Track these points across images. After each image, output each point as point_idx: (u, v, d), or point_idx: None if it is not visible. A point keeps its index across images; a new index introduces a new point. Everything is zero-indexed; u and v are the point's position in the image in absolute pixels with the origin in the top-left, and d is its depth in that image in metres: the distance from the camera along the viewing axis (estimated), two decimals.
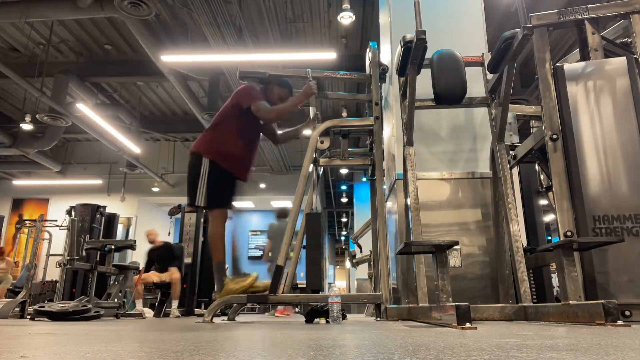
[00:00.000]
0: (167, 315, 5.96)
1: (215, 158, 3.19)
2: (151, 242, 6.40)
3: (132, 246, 5.08)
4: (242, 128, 3.29)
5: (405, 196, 3.07)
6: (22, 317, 4.67)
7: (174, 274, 5.96)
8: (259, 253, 14.49)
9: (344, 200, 16.88)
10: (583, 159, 2.28)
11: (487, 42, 3.71)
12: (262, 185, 12.59)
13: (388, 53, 3.93)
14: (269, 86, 3.48)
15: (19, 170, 12.33)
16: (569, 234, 2.20)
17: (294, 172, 12.30)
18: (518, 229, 2.74)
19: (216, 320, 3.58)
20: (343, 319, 3.05)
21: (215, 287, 3.16)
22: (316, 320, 2.97)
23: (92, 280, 4.61)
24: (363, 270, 8.89)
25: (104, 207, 7.06)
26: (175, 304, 5.83)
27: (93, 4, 6.19)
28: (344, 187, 15.52)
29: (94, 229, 6.79)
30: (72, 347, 1.18)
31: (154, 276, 6.00)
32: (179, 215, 7.51)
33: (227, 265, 3.24)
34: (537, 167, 3.74)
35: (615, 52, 2.61)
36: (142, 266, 6.38)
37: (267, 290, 3.06)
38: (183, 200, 10.75)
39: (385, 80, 3.79)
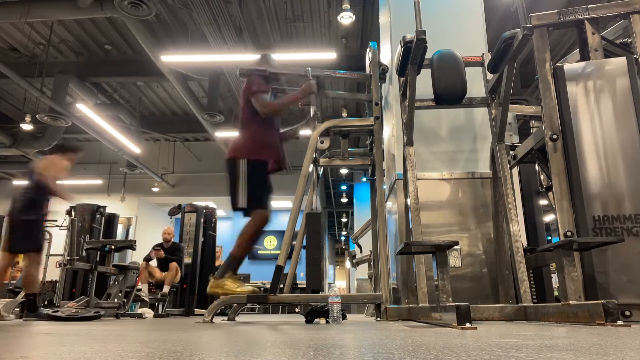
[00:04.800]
0: (167, 315, 5.96)
1: (252, 155, 3.18)
2: (167, 241, 6.53)
3: (131, 246, 5.07)
4: (265, 119, 3.30)
5: (405, 196, 3.07)
6: (22, 317, 4.67)
7: (173, 264, 6.17)
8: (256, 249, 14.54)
9: (344, 200, 16.87)
10: (583, 159, 2.28)
11: (487, 42, 3.71)
12: None
13: (388, 53, 3.93)
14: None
15: (19, 170, 12.33)
16: (569, 234, 2.20)
17: (294, 172, 12.27)
18: (518, 229, 2.74)
19: (216, 320, 3.58)
20: (343, 319, 3.05)
21: (217, 272, 3.13)
22: (316, 320, 2.97)
23: (92, 280, 4.60)
24: (363, 270, 8.89)
25: (104, 207, 7.05)
26: (166, 288, 5.98)
27: (93, 4, 6.19)
28: (344, 187, 15.52)
29: (94, 229, 6.79)
30: (72, 347, 1.18)
31: (156, 271, 6.15)
32: (179, 216, 7.51)
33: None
34: (537, 167, 3.74)
35: (615, 52, 2.61)
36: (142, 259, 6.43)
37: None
38: (183, 200, 10.72)
39: (385, 80, 3.79)
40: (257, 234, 3.20)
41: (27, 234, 4.00)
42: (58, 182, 4.19)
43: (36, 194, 4.10)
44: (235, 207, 3.17)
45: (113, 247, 4.93)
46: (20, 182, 12.22)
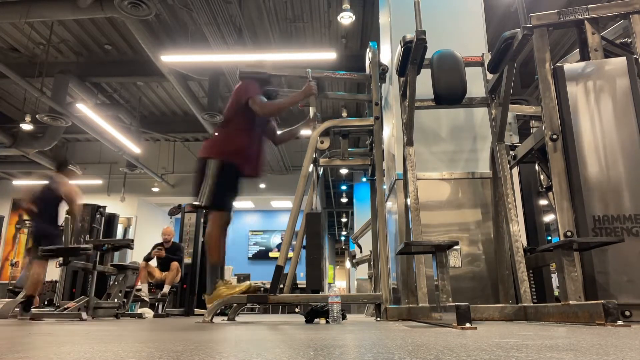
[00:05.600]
0: (167, 315, 5.97)
1: (223, 157, 3.20)
2: (167, 241, 6.55)
3: (129, 245, 5.07)
4: (247, 123, 3.29)
5: (405, 196, 3.07)
6: (17, 316, 4.67)
7: (174, 264, 6.19)
8: (256, 249, 14.56)
9: (344, 200, 16.87)
10: (583, 159, 2.28)
11: (487, 42, 3.71)
12: (262, 185, 12.60)
13: (388, 53, 3.93)
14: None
15: (19, 170, 12.33)
16: (569, 234, 2.20)
17: (294, 172, 12.30)
18: (518, 229, 2.74)
19: (216, 320, 3.57)
20: (343, 319, 3.05)
21: (207, 288, 3.16)
22: (316, 320, 2.97)
23: (92, 280, 4.60)
24: (363, 270, 8.89)
25: (104, 207, 7.06)
26: (166, 288, 6.06)
27: (93, 4, 6.19)
28: (344, 187, 15.52)
29: (94, 229, 6.79)
30: (72, 347, 1.18)
31: (156, 271, 6.17)
32: (179, 216, 7.52)
33: (231, 267, 3.26)
34: (537, 167, 3.73)
35: (615, 52, 2.61)
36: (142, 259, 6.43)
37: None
38: (183, 200, 10.73)
39: (385, 80, 3.79)
40: (222, 235, 3.21)
41: (50, 244, 4.43)
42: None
43: (56, 211, 4.70)
44: (198, 205, 3.20)
45: (110, 246, 4.92)
46: (27, 183, 12.24)
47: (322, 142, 3.63)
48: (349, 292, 13.05)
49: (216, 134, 3.34)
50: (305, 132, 3.75)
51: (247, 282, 3.17)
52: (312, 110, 3.65)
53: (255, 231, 14.78)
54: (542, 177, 3.74)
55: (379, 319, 3.08)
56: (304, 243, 3.42)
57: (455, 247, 2.85)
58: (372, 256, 5.86)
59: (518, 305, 2.53)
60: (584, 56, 2.50)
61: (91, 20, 7.54)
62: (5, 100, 10.12)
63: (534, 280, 3.37)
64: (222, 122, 3.36)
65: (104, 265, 4.88)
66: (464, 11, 3.80)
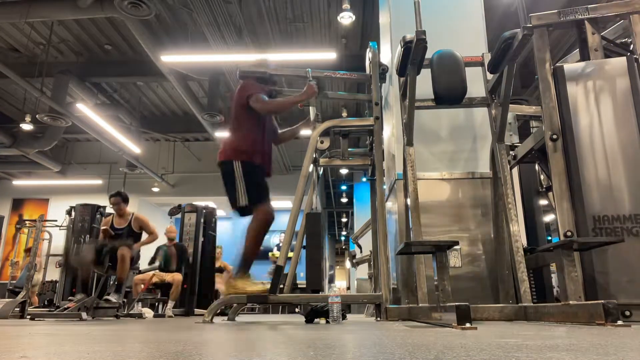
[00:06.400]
0: (164, 315, 5.97)
1: (246, 158, 3.19)
2: (171, 239, 6.53)
3: (129, 246, 5.06)
4: (257, 122, 3.29)
5: (405, 196, 3.07)
6: (22, 317, 4.67)
7: (176, 276, 6.05)
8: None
9: (344, 200, 16.87)
10: (583, 159, 2.28)
11: (487, 42, 3.71)
12: None
13: (388, 53, 3.93)
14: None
15: (19, 170, 12.33)
16: (569, 234, 2.20)
17: (294, 172, 12.29)
18: (518, 229, 2.74)
19: (216, 320, 3.57)
20: (343, 319, 3.05)
21: (235, 271, 3.13)
22: (316, 320, 2.97)
23: (92, 280, 4.60)
24: (363, 270, 8.89)
25: (104, 207, 7.05)
26: (171, 304, 5.95)
27: (93, 4, 6.19)
28: (344, 187, 15.51)
29: (94, 229, 6.79)
30: (72, 347, 1.18)
31: (154, 277, 6.10)
32: (179, 216, 7.52)
33: (231, 267, 3.23)
34: (537, 167, 3.73)
35: (616, 52, 2.61)
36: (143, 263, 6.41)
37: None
38: (183, 200, 10.70)
39: (385, 80, 3.78)
40: (263, 231, 3.20)
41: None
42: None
43: None
44: (235, 207, 3.18)
45: (111, 247, 4.91)
46: (27, 183, 12.23)
47: (322, 142, 3.63)
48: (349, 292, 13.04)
49: (229, 138, 3.33)
50: (305, 132, 3.75)
51: (260, 287, 3.12)
52: (312, 110, 3.65)
53: None
54: (542, 177, 3.74)
55: (379, 319, 3.08)
56: (304, 243, 3.42)
57: (455, 247, 2.85)
58: (372, 256, 5.86)
59: (518, 305, 2.53)
60: (584, 56, 2.50)
61: (91, 20, 7.54)
62: (5, 100, 10.12)
63: (534, 280, 3.37)
64: (234, 125, 3.33)
65: (104, 265, 4.87)
66: (464, 11, 3.80)
